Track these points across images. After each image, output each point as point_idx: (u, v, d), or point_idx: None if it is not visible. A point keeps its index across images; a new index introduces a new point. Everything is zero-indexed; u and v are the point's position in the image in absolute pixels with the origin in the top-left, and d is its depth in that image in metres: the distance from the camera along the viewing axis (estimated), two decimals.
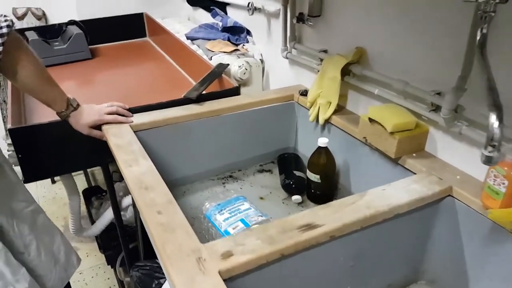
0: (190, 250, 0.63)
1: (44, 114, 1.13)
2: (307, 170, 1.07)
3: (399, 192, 0.78)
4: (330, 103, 1.10)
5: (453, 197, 0.81)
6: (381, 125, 0.90)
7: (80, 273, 1.55)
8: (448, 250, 0.86)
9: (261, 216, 0.92)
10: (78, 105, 0.98)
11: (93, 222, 1.40)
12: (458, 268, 0.85)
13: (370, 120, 0.93)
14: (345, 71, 1.06)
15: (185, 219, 0.70)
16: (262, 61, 1.48)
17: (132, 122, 1.03)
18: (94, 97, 1.39)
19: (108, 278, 1.53)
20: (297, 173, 1.15)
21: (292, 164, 1.21)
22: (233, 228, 0.89)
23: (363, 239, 0.75)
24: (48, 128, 1.03)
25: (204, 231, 0.96)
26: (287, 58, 1.31)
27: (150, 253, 1.20)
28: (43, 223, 1.03)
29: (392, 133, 0.88)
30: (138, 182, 0.79)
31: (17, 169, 1.04)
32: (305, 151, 1.27)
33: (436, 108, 0.87)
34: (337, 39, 1.12)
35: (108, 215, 1.30)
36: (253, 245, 0.64)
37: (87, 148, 1.09)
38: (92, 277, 1.55)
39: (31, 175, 1.08)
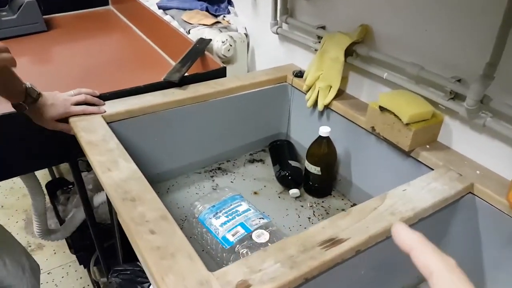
0: (197, 282, 0.52)
1: None
2: (306, 161, 0.97)
3: (420, 192, 0.70)
4: (331, 86, 0.99)
5: (473, 194, 0.74)
6: (394, 114, 0.81)
7: (49, 273, 1.40)
8: (463, 249, 0.80)
9: (262, 218, 0.82)
10: (38, 94, 0.82)
11: (60, 219, 1.25)
12: (474, 268, 0.80)
13: (381, 108, 0.83)
14: (348, 51, 0.95)
15: (185, 238, 0.58)
16: (246, 35, 1.34)
17: (105, 112, 0.88)
18: (53, 78, 1.22)
19: (81, 278, 1.40)
20: (293, 163, 1.05)
21: (285, 153, 1.10)
22: (233, 235, 0.78)
23: (385, 248, 0.66)
24: (1, 121, 0.87)
25: (197, 236, 0.85)
26: (277, 33, 1.18)
27: (129, 255, 1.08)
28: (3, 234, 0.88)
29: (407, 124, 0.78)
30: (122, 192, 0.66)
31: None
32: (299, 138, 1.16)
33: (455, 96, 0.78)
34: (337, 14, 1.00)
35: (78, 216, 1.16)
36: (272, 270, 0.54)
37: (52, 143, 0.93)
38: (63, 277, 1.42)
39: None
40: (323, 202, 1.00)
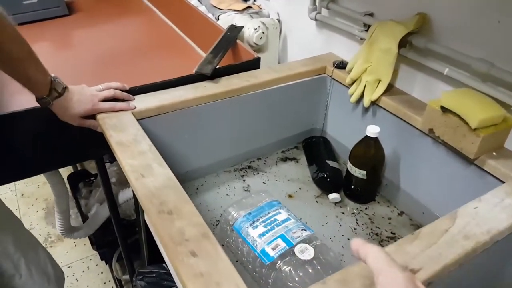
0: None
1: (19, 98, 0.89)
2: (349, 164, 0.89)
3: (494, 211, 0.61)
4: (379, 80, 0.89)
5: None
6: (459, 117, 0.71)
7: (69, 267, 1.36)
8: None
9: (304, 229, 0.74)
10: (64, 88, 0.74)
11: (82, 214, 1.19)
12: None
13: (443, 109, 0.73)
14: (401, 43, 0.84)
15: (230, 263, 0.51)
16: (279, 21, 1.24)
17: (135, 108, 0.81)
18: (75, 66, 1.14)
19: (102, 272, 1.36)
20: (331, 163, 0.96)
21: (322, 151, 1.02)
22: (273, 249, 0.71)
23: (457, 277, 0.58)
24: (26, 116, 0.79)
25: (231, 243, 0.78)
26: (316, 19, 1.08)
27: (155, 256, 1.02)
28: (25, 235, 0.82)
29: (475, 129, 0.69)
30: (157, 203, 0.59)
31: None
32: (337, 135, 1.07)
33: None
34: (389, 0, 0.89)
35: (102, 213, 1.09)
36: None
37: (78, 140, 0.86)
38: (83, 271, 1.37)
39: (8, 175, 0.85)
40: (366, 208, 0.91)
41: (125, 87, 0.83)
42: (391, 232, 0.85)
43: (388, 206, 0.92)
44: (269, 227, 0.74)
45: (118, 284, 1.24)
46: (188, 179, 0.96)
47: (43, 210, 1.61)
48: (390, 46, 0.85)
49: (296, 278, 0.67)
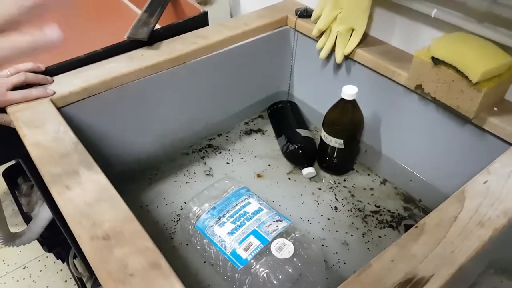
0: None
1: None
2: (323, 132, 0.76)
3: (508, 184, 0.51)
4: (353, 30, 0.75)
5: None
6: (455, 69, 0.59)
7: (24, 268, 1.20)
8: None
9: (280, 220, 0.62)
10: None
11: (24, 215, 1.03)
12: None
13: (435, 60, 0.61)
14: None
15: None
16: None
17: (54, 93, 0.63)
18: None
19: (61, 270, 1.21)
20: (302, 132, 0.84)
21: (290, 118, 0.89)
22: (245, 249, 0.58)
23: (468, 270, 0.48)
24: None
25: (195, 244, 0.65)
26: None
27: None
28: None
29: (476, 83, 0.57)
30: (88, 224, 0.44)
31: None
32: (305, 97, 0.94)
33: None
34: None
35: (44, 215, 0.93)
36: None
37: None
38: (40, 270, 1.22)
39: None
40: (344, 180, 0.80)
41: (40, 68, 0.65)
42: (375, 205, 0.75)
43: (368, 174, 0.82)
44: (238, 223, 0.62)
45: (79, 282, 1.11)
46: (138, 169, 0.81)
47: None
48: None
49: (275, 282, 0.56)
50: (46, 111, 0.60)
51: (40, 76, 0.64)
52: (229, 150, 0.86)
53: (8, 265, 1.22)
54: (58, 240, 1.06)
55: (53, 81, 0.66)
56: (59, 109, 0.62)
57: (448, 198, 0.49)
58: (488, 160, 0.55)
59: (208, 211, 0.64)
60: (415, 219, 0.72)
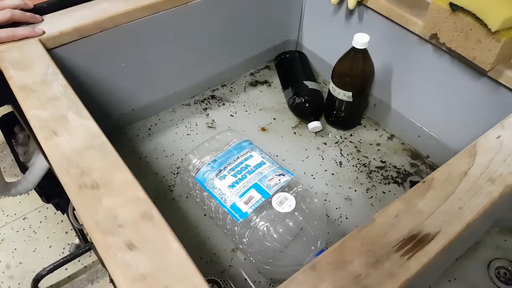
0: None
1: None
2: (331, 84, 0.73)
3: None
4: None
5: None
6: (474, 16, 0.54)
7: (24, 219, 1.21)
8: None
9: (282, 174, 0.60)
10: None
11: (20, 165, 1.01)
12: None
13: (453, 6, 0.56)
14: None
15: (185, 255, 0.36)
16: None
17: (44, 33, 0.60)
18: None
19: (62, 221, 1.22)
20: (310, 84, 0.80)
21: (298, 70, 0.85)
22: (246, 203, 0.57)
23: (475, 228, 0.46)
24: None
25: (195, 196, 0.64)
26: None
27: None
28: None
29: (495, 32, 0.53)
30: (77, 173, 0.42)
31: None
32: (315, 48, 0.89)
33: None
34: None
35: (40, 165, 0.92)
36: None
37: None
38: (41, 221, 1.23)
39: None
40: (351, 135, 0.77)
41: (28, 5, 0.61)
42: (381, 161, 0.73)
43: (376, 130, 0.79)
44: (239, 176, 0.60)
45: (79, 233, 1.12)
46: (137, 119, 0.78)
47: None
48: None
49: (275, 236, 0.54)
50: (34, 52, 0.57)
51: (28, 14, 0.60)
52: (233, 102, 0.83)
53: (7, 216, 1.23)
54: (57, 190, 1.06)
55: (42, 20, 0.62)
56: (48, 50, 0.58)
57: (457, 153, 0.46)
58: (502, 116, 0.51)
59: (209, 164, 0.62)
60: (422, 175, 0.70)
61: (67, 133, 0.46)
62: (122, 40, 0.67)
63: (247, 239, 0.56)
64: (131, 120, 0.77)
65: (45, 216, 1.25)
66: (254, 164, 0.61)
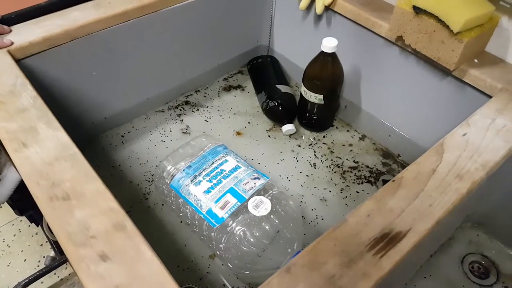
0: None
1: None
2: (303, 88, 0.74)
3: (487, 137, 0.50)
4: None
5: None
6: (437, 19, 0.56)
7: None
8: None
9: (257, 178, 0.61)
10: None
11: None
12: None
13: (416, 9, 0.58)
14: None
15: (159, 264, 0.36)
16: None
17: (12, 44, 0.58)
18: None
19: (36, 233, 1.19)
20: (282, 88, 0.81)
21: (270, 74, 0.85)
22: (222, 208, 0.57)
23: (446, 224, 0.48)
24: None
25: (171, 204, 0.64)
26: None
27: None
28: None
29: (457, 33, 0.55)
30: (47, 183, 0.41)
31: None
32: (286, 52, 0.90)
33: None
34: None
35: (11, 177, 0.90)
36: None
37: None
38: (14, 235, 1.20)
39: None
40: (324, 137, 0.79)
41: None
42: (354, 161, 0.74)
43: (348, 130, 0.80)
44: (215, 181, 0.60)
45: (54, 246, 1.09)
46: (110, 127, 0.77)
47: None
48: None
49: (252, 240, 0.55)
50: (2, 63, 0.56)
51: None
52: (207, 107, 0.83)
53: None
54: (30, 203, 1.03)
55: (10, 30, 0.61)
56: (17, 61, 0.57)
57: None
58: (468, 113, 0.53)
59: (183, 170, 0.62)
60: (393, 174, 0.72)
61: (37, 144, 0.45)
62: (93, 48, 0.66)
63: (224, 244, 0.56)
64: (103, 129, 0.76)
65: (19, 229, 1.22)
66: (229, 168, 0.62)
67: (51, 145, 0.45)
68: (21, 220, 1.26)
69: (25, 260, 1.15)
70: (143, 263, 0.36)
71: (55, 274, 1.11)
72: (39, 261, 1.14)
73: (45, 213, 0.40)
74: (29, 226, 1.24)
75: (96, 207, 0.39)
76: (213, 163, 0.62)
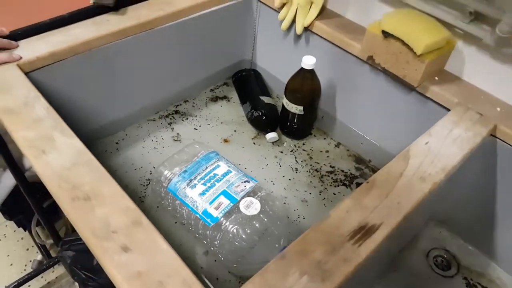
0: None
1: None
2: (285, 100, 0.81)
3: (445, 144, 0.58)
4: (312, 2, 0.79)
5: (495, 137, 0.64)
6: (402, 42, 0.65)
7: None
8: (471, 193, 0.73)
9: (247, 181, 0.67)
10: None
11: None
12: (480, 212, 0.74)
13: (385, 34, 0.67)
14: None
15: (173, 253, 0.43)
16: None
17: (20, 58, 0.63)
18: None
19: (22, 238, 1.21)
20: (265, 99, 0.88)
21: (254, 86, 0.93)
22: (216, 208, 0.63)
23: (413, 220, 0.56)
24: None
25: (167, 206, 0.69)
26: None
27: None
28: None
29: (420, 55, 0.64)
30: (69, 187, 0.47)
31: None
32: (268, 66, 0.98)
33: (476, 18, 0.63)
34: None
35: (7, 183, 0.92)
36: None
37: None
38: (0, 240, 1.21)
39: None
40: (304, 144, 0.86)
41: (3, 32, 0.64)
42: (330, 166, 0.82)
43: (324, 138, 0.88)
44: (209, 184, 0.66)
45: (42, 249, 1.12)
46: (104, 135, 0.82)
47: None
48: None
49: (244, 236, 0.61)
50: (13, 76, 0.60)
51: (5, 40, 0.63)
52: (196, 116, 0.89)
53: None
54: (20, 207, 1.06)
55: (17, 46, 0.65)
56: (26, 74, 0.62)
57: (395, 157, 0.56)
58: (430, 124, 0.62)
59: (180, 174, 0.68)
60: (366, 177, 0.80)
61: (55, 151, 0.50)
62: (93, 62, 0.71)
63: (218, 241, 0.63)
64: (98, 136, 0.81)
65: (5, 234, 1.23)
66: (222, 172, 0.68)
67: (68, 151, 0.50)
68: (6, 226, 1.27)
69: (11, 264, 1.17)
70: (160, 253, 0.42)
71: (42, 277, 1.14)
72: (25, 265, 1.16)
73: (67, 213, 0.45)
74: (14, 231, 1.25)
75: (115, 206, 0.45)
76: (206, 168, 0.69)
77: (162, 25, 0.78)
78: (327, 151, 0.85)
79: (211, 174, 0.68)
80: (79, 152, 0.51)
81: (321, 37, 0.80)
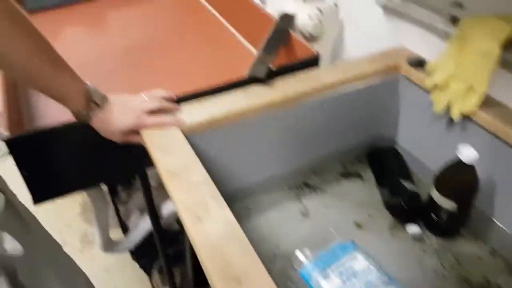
0: None
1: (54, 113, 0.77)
2: (435, 192, 0.73)
3: None
4: (472, 89, 0.72)
5: None
6: None
7: (106, 270, 1.24)
8: None
9: (389, 284, 0.60)
10: (103, 98, 0.62)
11: (121, 221, 1.08)
12: None
13: None
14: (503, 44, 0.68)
15: None
16: (336, 6, 1.07)
17: (185, 124, 0.67)
18: (100, 60, 1.01)
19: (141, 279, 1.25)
20: (407, 184, 0.81)
21: (393, 167, 0.86)
22: None
23: None
24: (62, 133, 0.68)
25: None
26: (384, 7, 0.91)
27: (201, 279, 0.90)
28: (66, 263, 0.72)
29: None
30: (221, 262, 0.45)
31: None
32: (409, 146, 0.91)
33: None
34: None
35: (144, 226, 0.98)
36: None
37: (120, 156, 0.74)
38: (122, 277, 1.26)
39: (42, 195, 0.74)
40: (449, 244, 0.75)
41: (173, 97, 0.69)
42: (484, 279, 0.69)
43: (475, 241, 0.76)
44: (345, 279, 0.60)
45: None
46: (236, 198, 0.82)
47: (79, 205, 1.50)
48: (490, 49, 0.68)
49: None
50: (175, 137, 0.64)
51: (173, 104, 0.68)
52: (326, 192, 0.85)
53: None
54: (147, 252, 1.10)
55: (178, 108, 0.69)
56: (185, 136, 0.65)
57: None
58: None
59: (314, 262, 0.63)
60: None
61: (210, 220, 0.49)
62: (240, 130, 0.73)
63: None
64: (231, 199, 0.81)
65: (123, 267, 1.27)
66: (360, 268, 0.62)
67: (221, 222, 0.49)
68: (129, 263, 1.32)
69: None
70: None
71: None
72: None
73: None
74: (133, 270, 1.29)
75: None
76: (341, 260, 0.63)
77: (307, 99, 0.78)
78: (479, 258, 0.73)
79: (348, 268, 0.62)
80: (231, 225, 0.49)
81: (480, 125, 0.72)
